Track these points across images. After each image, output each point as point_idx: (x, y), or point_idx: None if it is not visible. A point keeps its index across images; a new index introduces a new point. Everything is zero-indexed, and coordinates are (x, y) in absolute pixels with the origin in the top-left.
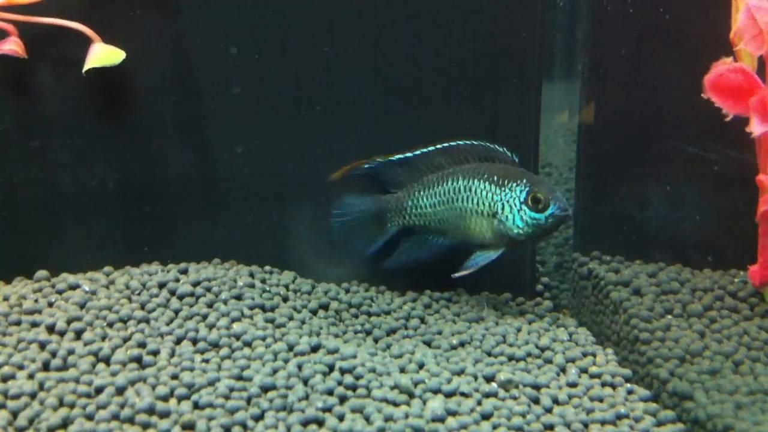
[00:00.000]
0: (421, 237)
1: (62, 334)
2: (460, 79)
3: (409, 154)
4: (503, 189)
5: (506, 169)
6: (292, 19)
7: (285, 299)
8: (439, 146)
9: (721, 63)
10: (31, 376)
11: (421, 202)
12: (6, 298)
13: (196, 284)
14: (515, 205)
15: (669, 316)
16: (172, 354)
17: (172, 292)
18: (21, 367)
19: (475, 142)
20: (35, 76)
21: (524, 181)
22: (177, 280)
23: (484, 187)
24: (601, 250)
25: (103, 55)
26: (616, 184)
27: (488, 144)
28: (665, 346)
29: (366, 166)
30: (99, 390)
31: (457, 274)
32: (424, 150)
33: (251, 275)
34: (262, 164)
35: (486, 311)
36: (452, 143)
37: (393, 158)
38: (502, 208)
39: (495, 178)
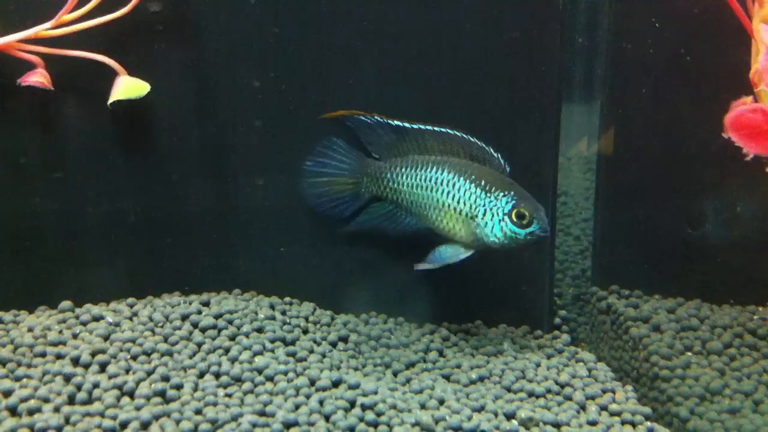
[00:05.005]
0: (390, 209)
1: (87, 366)
2: (479, 112)
3: (406, 125)
4: (489, 195)
5: (495, 176)
6: (313, 52)
7: (305, 331)
8: (436, 128)
9: (740, 102)
10: (57, 410)
11: (400, 179)
12: (30, 329)
13: (218, 317)
14: (497, 215)
15: (689, 354)
16: (196, 388)
17: (195, 325)
18: (47, 400)
19: (471, 138)
20: (60, 107)
21: (512, 193)
22: (199, 312)
23: (469, 188)
24: (619, 284)
25: (128, 87)
26: (634, 217)
27: (484, 145)
28: (685, 384)
29: (362, 117)
30: (124, 425)
31: (419, 267)
32: (422, 126)
33: (272, 307)
34: (282, 196)
35: (506, 345)
36: (449, 130)
37: (391, 121)
38: (483, 214)
39: (482, 182)
